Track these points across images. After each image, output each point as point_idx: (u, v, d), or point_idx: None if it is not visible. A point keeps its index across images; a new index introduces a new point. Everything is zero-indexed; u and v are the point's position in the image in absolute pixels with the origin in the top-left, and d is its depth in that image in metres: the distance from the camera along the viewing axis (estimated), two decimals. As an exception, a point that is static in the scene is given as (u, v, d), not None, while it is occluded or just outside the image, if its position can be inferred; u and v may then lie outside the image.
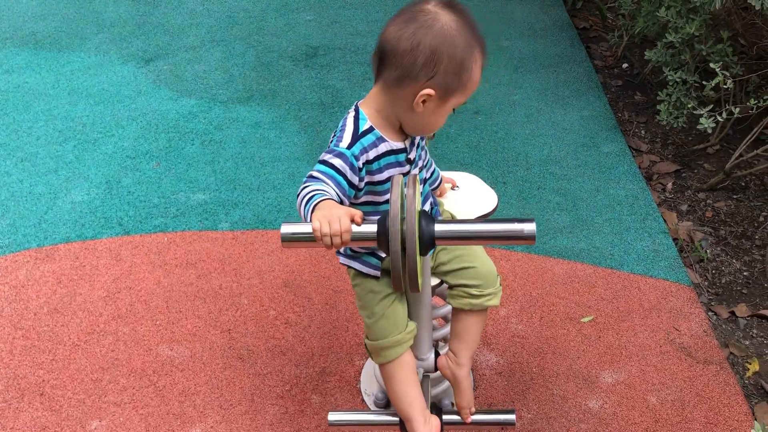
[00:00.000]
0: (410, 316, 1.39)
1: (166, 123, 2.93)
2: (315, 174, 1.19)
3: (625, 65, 3.41)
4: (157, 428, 1.76)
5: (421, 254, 1.07)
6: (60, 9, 3.91)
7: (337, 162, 1.20)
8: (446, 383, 1.65)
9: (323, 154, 1.23)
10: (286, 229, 1.07)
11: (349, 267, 1.40)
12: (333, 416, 1.43)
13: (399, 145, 1.28)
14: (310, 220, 1.07)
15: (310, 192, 1.14)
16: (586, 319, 2.02)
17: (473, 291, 1.38)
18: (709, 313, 2.08)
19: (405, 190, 1.04)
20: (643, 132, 2.93)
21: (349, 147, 1.22)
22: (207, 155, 2.74)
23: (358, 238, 1.06)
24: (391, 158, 1.27)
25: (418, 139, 1.33)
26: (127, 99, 3.10)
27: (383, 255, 1.35)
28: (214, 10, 3.89)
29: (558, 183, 2.54)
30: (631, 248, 2.26)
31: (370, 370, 1.85)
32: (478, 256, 1.40)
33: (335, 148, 1.23)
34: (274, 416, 1.78)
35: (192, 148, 2.78)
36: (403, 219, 1.02)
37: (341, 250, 1.40)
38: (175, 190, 2.55)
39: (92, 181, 2.61)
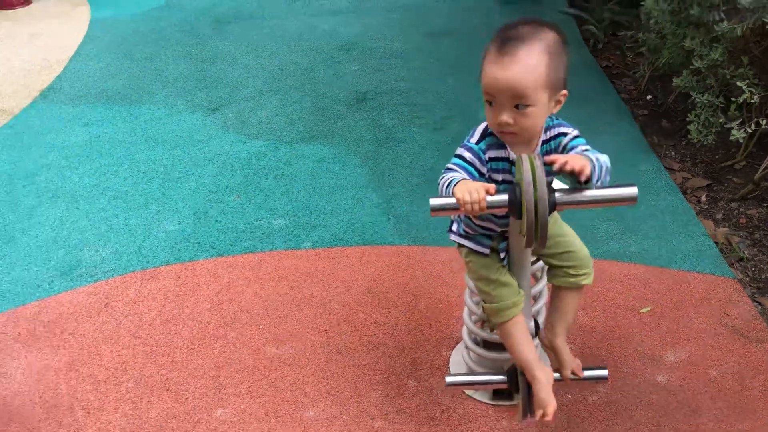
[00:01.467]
0: None
1: (240, 162, 3.24)
2: (450, 165, 1.49)
3: (649, 97, 3.71)
4: (276, 413, 1.99)
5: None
6: (125, 69, 4.29)
7: (467, 155, 1.50)
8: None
9: (458, 148, 1.52)
10: (434, 201, 1.36)
11: (461, 246, 1.66)
12: (449, 379, 1.67)
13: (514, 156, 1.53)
14: (453, 194, 1.35)
15: (448, 179, 1.44)
16: (644, 310, 2.25)
17: (571, 271, 1.65)
18: (755, 304, 2.31)
19: (535, 162, 1.31)
20: (673, 153, 3.21)
21: (477, 143, 1.51)
22: (281, 187, 3.03)
23: (492, 205, 1.33)
24: (505, 164, 1.54)
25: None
26: (200, 143, 3.42)
27: (492, 236, 1.62)
28: (266, 65, 4.25)
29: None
30: (677, 249, 2.51)
31: (458, 358, 2.08)
32: (575, 242, 1.67)
33: (466, 143, 1.52)
34: (377, 399, 2.00)
35: (267, 182, 3.07)
36: (534, 188, 1.29)
37: (454, 228, 1.67)
38: (258, 217, 2.83)
39: (181, 213, 2.89)
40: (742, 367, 2.03)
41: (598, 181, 1.39)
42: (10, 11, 5.45)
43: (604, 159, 1.43)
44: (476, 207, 1.34)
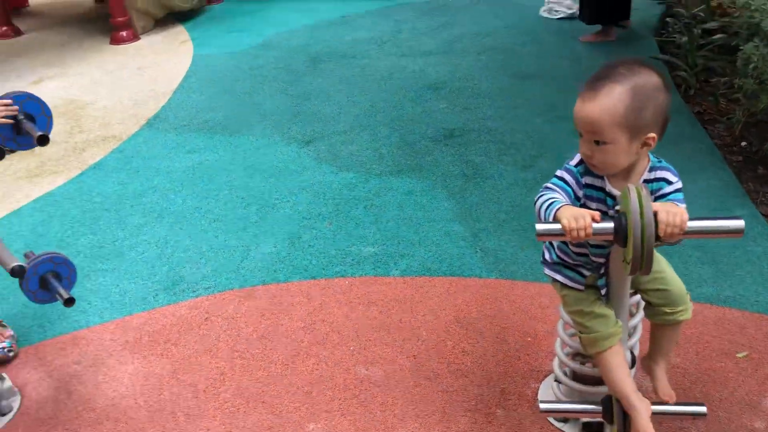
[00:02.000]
0: None
1: (332, 191, 3.37)
2: (549, 185, 1.55)
3: (744, 143, 3.65)
4: (366, 431, 2.04)
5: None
6: (226, 102, 4.54)
7: (567, 176, 1.56)
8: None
9: (558, 170, 1.57)
10: (540, 227, 1.41)
11: (555, 280, 1.70)
12: (544, 405, 1.69)
13: (615, 191, 1.57)
14: (556, 220, 1.40)
15: (548, 199, 1.49)
16: (741, 355, 2.20)
17: (667, 309, 1.67)
18: None
19: (642, 192, 1.35)
20: (770, 201, 3.14)
21: (576, 165, 1.57)
22: (370, 217, 3.13)
23: (598, 232, 1.38)
24: (600, 194, 1.58)
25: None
26: (295, 173, 3.58)
27: (586, 273, 1.66)
28: (357, 102, 4.41)
29: (696, 240, 2.77)
30: (775, 296, 2.45)
31: (547, 390, 2.09)
32: (672, 279, 1.68)
33: (567, 165, 1.57)
34: (466, 425, 2.03)
35: (357, 211, 3.18)
36: (641, 216, 1.33)
37: (547, 257, 1.71)
38: (349, 244, 2.94)
39: (277, 236, 3.03)
40: None
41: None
42: (120, 46, 5.88)
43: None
44: (582, 233, 1.38)
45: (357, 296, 2.61)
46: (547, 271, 1.74)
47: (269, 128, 4.11)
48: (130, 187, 3.53)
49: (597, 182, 1.58)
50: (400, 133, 3.95)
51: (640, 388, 1.80)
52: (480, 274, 2.70)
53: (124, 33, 5.93)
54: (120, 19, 5.89)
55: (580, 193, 1.58)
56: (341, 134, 3.98)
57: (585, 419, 1.89)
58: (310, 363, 2.31)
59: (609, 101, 1.46)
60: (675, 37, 4.92)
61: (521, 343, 2.33)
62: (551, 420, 2.00)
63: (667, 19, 5.37)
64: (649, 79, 1.48)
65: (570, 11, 5.70)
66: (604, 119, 1.46)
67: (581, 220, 1.38)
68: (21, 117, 1.99)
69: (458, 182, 3.38)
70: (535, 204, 1.54)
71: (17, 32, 6.46)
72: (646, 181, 1.57)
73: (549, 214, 1.46)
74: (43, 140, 1.96)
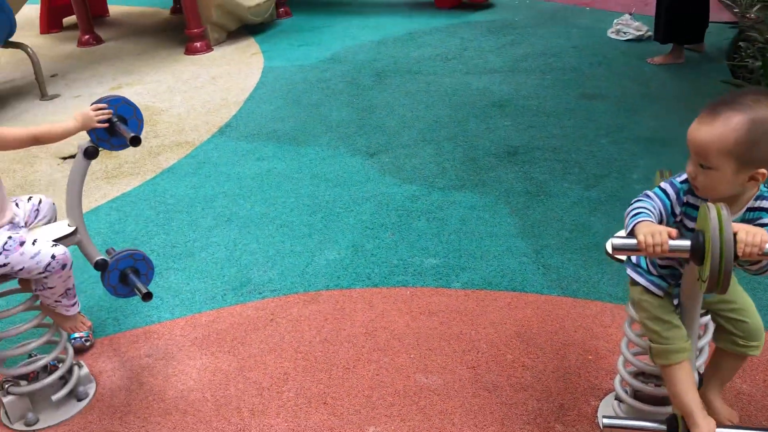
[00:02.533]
0: None
1: (395, 203, 3.43)
2: (648, 192, 1.57)
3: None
4: (424, 437, 2.08)
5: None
6: (293, 113, 4.67)
7: (669, 189, 1.58)
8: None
9: (663, 182, 1.60)
10: (616, 242, 1.43)
11: (636, 284, 1.71)
12: (606, 420, 1.70)
13: None
14: (633, 234, 1.42)
15: (638, 207, 1.51)
16: (815, 385, 2.15)
17: (740, 341, 1.66)
18: None
19: (722, 212, 1.36)
20: None
21: (682, 182, 1.58)
22: (433, 229, 3.18)
23: (674, 249, 1.39)
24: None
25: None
26: (359, 183, 3.66)
27: (670, 281, 1.67)
28: (422, 116, 4.48)
29: (765, 268, 2.72)
30: None
31: (607, 408, 2.09)
32: (751, 312, 1.67)
33: (672, 180, 1.59)
34: (524, 438, 2.05)
35: (419, 223, 3.23)
36: (720, 234, 1.33)
37: (634, 259, 1.73)
38: (411, 255, 2.99)
39: (341, 244, 3.10)
40: None
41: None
42: (195, 56, 6.11)
43: None
44: (658, 250, 1.39)
45: (418, 306, 2.66)
46: (629, 272, 1.73)
47: (335, 139, 4.21)
48: (201, 191, 3.68)
49: (698, 203, 1.57)
50: (464, 148, 3.99)
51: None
52: (542, 290, 2.71)
53: (198, 44, 6.16)
54: (195, 30, 6.13)
55: (678, 210, 1.58)
56: (405, 147, 4.05)
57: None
58: (371, 368, 2.36)
59: (722, 129, 1.44)
60: (748, 62, 4.83)
61: (582, 360, 2.33)
62: (611, 438, 1.99)
63: (740, 43, 5.27)
64: None
65: (638, 33, 5.65)
66: (712, 145, 1.45)
67: (657, 236, 1.40)
68: (115, 119, 2.11)
69: (521, 199, 3.40)
70: (629, 207, 1.55)
71: (98, 40, 6.79)
72: (750, 210, 1.56)
73: (629, 225, 1.48)
74: (135, 141, 2.08)
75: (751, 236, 1.36)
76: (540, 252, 2.95)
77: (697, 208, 1.57)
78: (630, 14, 5.83)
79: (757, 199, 1.55)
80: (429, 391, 2.25)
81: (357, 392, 2.26)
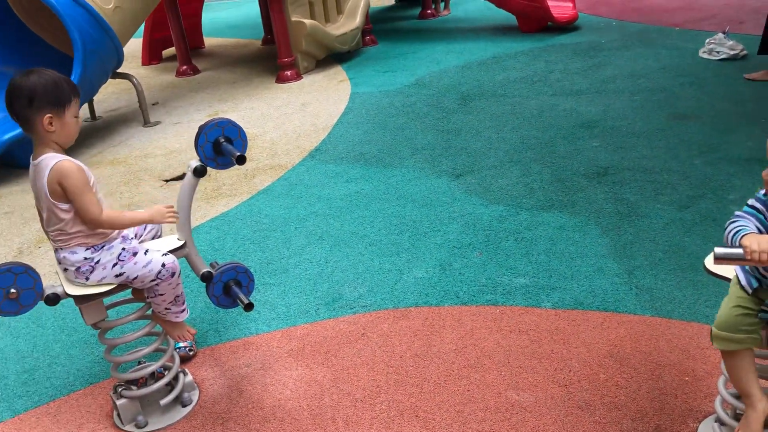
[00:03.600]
0: None
1: (482, 223, 3.46)
2: (739, 213, 1.59)
3: None
4: (516, 453, 2.08)
5: None
6: (380, 137, 4.79)
7: (757, 204, 1.60)
8: None
9: (749, 200, 1.61)
10: (720, 251, 1.44)
11: (736, 277, 1.73)
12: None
13: None
14: (740, 244, 1.42)
15: (736, 227, 1.54)
16: None
17: None
18: None
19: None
20: None
21: (766, 194, 1.59)
22: (521, 249, 3.18)
23: (781, 256, 1.38)
24: None
25: None
26: (446, 204, 3.71)
27: (764, 286, 1.66)
28: (507, 138, 4.50)
29: None
30: None
31: (707, 431, 2.03)
32: None
33: (757, 194, 1.61)
34: (619, 457, 2.02)
35: (507, 243, 3.25)
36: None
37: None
38: (499, 274, 3.01)
39: (428, 263, 3.16)
40: None
41: None
42: (285, 84, 6.36)
43: None
44: (765, 257, 1.39)
45: (508, 324, 2.67)
46: (735, 268, 1.75)
47: (420, 161, 4.29)
48: (293, 212, 3.82)
49: None
50: (552, 169, 3.99)
51: None
52: (635, 310, 2.67)
53: (288, 72, 6.42)
54: (286, 59, 6.39)
55: None
56: (491, 168, 4.08)
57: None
58: (462, 384, 2.39)
59: None
60: None
61: (678, 381, 2.28)
62: (712, 461, 1.94)
63: None
64: None
65: (733, 52, 5.50)
66: None
67: (765, 243, 1.40)
68: (222, 140, 2.26)
69: (612, 220, 3.36)
70: (725, 230, 1.57)
71: (195, 71, 7.18)
72: None
73: (735, 240, 1.49)
74: (241, 160, 2.21)
75: None
76: (632, 272, 2.91)
77: None
78: (724, 33, 5.68)
79: None
80: (521, 408, 2.25)
81: (449, 407, 2.29)
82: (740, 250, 1.43)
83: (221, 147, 2.27)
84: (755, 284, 1.68)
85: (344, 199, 3.90)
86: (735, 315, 1.69)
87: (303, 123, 5.25)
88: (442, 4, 8.88)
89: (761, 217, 1.58)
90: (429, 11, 8.63)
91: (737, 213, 1.60)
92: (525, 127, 4.65)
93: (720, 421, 1.96)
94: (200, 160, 2.32)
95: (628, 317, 2.63)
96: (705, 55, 5.65)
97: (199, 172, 2.32)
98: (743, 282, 1.69)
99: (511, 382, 2.37)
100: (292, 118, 5.39)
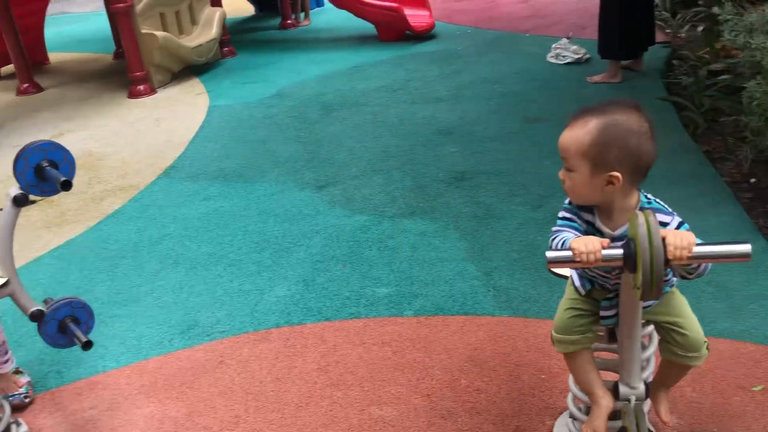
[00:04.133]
0: (620, 348, 1.68)
1: (345, 234, 3.41)
2: (556, 228, 1.62)
3: (753, 180, 3.66)
4: (380, 471, 2.03)
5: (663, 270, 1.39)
6: (240, 151, 4.64)
7: (568, 215, 1.63)
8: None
9: (560, 212, 1.65)
10: (551, 254, 1.44)
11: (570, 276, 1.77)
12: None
13: (604, 228, 1.62)
14: (569, 247, 1.43)
15: (561, 239, 1.56)
16: (756, 388, 2.18)
17: (678, 351, 1.69)
18: None
19: (650, 218, 1.38)
20: (781, 235, 3.14)
21: (570, 203, 1.64)
22: (384, 258, 3.16)
23: (607, 258, 1.40)
24: (592, 230, 1.63)
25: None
26: (309, 217, 3.63)
27: (597, 286, 1.70)
28: (369, 147, 4.49)
29: (709, 277, 2.76)
30: (790, 330, 2.44)
31: (562, 428, 2.07)
32: (690, 325, 1.69)
33: (564, 205, 1.67)
34: (481, 463, 2.02)
35: (370, 253, 3.21)
36: (650, 241, 1.35)
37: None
38: (362, 285, 2.96)
39: (291, 280, 3.06)
40: None
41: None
42: (138, 100, 6.05)
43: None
44: (592, 257, 1.41)
45: (371, 337, 2.63)
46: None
47: (283, 174, 4.19)
48: (146, 235, 3.60)
49: (589, 217, 1.64)
50: (413, 176, 4.01)
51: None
52: (493, 312, 2.71)
53: (141, 87, 6.11)
54: (137, 73, 6.08)
55: (583, 228, 1.62)
56: (354, 179, 4.04)
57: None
58: (324, 404, 2.31)
59: (580, 131, 1.55)
60: (681, 79, 5.00)
61: (535, 380, 2.32)
62: (567, 457, 1.98)
63: (674, 61, 5.46)
64: (626, 121, 1.53)
65: (576, 56, 5.81)
66: (571, 147, 1.56)
67: (591, 245, 1.42)
68: (45, 164, 2.06)
69: (470, 223, 3.41)
70: (550, 245, 1.60)
71: (38, 88, 6.67)
72: None
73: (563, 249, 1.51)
74: (66, 185, 2.02)
75: (679, 239, 1.38)
76: (490, 274, 2.96)
77: (589, 224, 1.64)
78: (567, 38, 5.99)
79: (641, 209, 1.58)
80: (383, 423, 2.21)
81: (310, 430, 2.21)
82: (569, 253, 1.44)
83: (44, 172, 2.07)
84: (588, 286, 1.72)
85: (202, 219, 3.73)
86: (568, 317, 1.73)
87: (157, 139, 4.99)
88: (303, 14, 8.82)
89: (575, 224, 1.62)
90: (289, 21, 8.54)
91: (554, 229, 1.63)
92: (386, 135, 4.66)
93: (573, 417, 2.00)
94: (20, 188, 2.10)
95: (486, 319, 2.67)
96: (552, 60, 5.93)
97: (19, 201, 2.11)
98: (577, 284, 1.74)
99: (374, 397, 2.32)
100: (145, 135, 5.11)
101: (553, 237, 1.61)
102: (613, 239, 1.57)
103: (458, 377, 2.37)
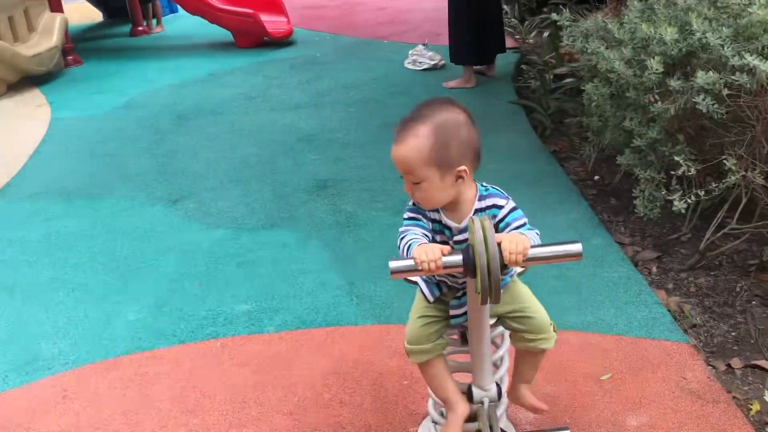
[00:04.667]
0: (471, 351, 1.69)
1: (202, 251, 3.26)
2: (402, 229, 1.58)
3: (596, 177, 3.90)
4: (241, 499, 1.93)
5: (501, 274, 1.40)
6: (87, 166, 4.34)
7: (413, 214, 1.63)
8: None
9: (405, 212, 1.64)
10: (393, 264, 1.41)
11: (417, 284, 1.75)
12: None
13: (450, 222, 1.64)
14: (411, 256, 1.41)
15: (406, 242, 1.54)
16: (605, 377, 2.29)
17: (529, 336, 1.71)
18: (709, 367, 2.37)
19: (485, 223, 1.38)
20: (623, 228, 3.35)
21: (414, 203, 1.65)
22: (243, 273, 3.05)
23: (448, 265, 1.39)
24: (439, 227, 1.63)
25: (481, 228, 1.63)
26: (162, 234, 3.44)
27: (445, 290, 1.71)
28: (227, 157, 4.35)
29: (559, 271, 2.90)
30: (632, 318, 2.59)
31: (424, 433, 2.07)
32: (533, 307, 1.73)
33: (408, 205, 1.66)
34: (345, 479, 1.97)
35: (229, 269, 3.09)
36: (486, 247, 1.36)
37: None
38: (220, 303, 2.83)
39: (142, 302, 2.87)
40: (702, 428, 2.07)
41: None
42: (-30, 113, 5.51)
43: (537, 239, 1.53)
44: (432, 266, 1.40)
45: (229, 358, 2.51)
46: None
47: (133, 189, 3.95)
48: (-23, 262, 3.26)
49: (435, 215, 1.65)
50: (273, 186, 3.91)
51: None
52: (356, 321, 2.67)
53: (-28, 99, 5.57)
54: (-33, 84, 5.54)
55: (430, 226, 1.62)
56: (211, 191, 3.89)
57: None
58: (180, 433, 2.17)
59: (415, 142, 1.53)
60: (530, 83, 5.24)
61: (398, 387, 2.31)
62: (430, 464, 1.97)
63: (523, 66, 5.72)
64: (450, 116, 1.56)
65: (432, 62, 5.94)
66: (413, 159, 1.53)
67: (431, 253, 1.41)
68: None
69: (332, 232, 3.37)
70: (398, 248, 1.57)
71: None
72: (478, 210, 1.64)
73: (409, 253, 1.49)
74: None
75: (514, 244, 1.41)
76: (353, 283, 2.93)
77: (436, 221, 1.64)
78: (423, 45, 6.12)
79: (481, 199, 1.63)
80: (244, 447, 2.11)
81: (165, 463, 2.07)
82: (411, 262, 1.43)
83: None
84: (437, 292, 1.72)
85: (42, 241, 3.43)
86: (420, 326, 1.72)
87: (-9, 157, 4.56)
88: (155, 21, 8.44)
89: (422, 223, 1.61)
90: (140, 28, 8.14)
91: (401, 229, 1.62)
92: (245, 145, 4.53)
93: (434, 421, 2.00)
94: None
95: (349, 329, 2.63)
96: (410, 66, 6.04)
97: None
98: (425, 292, 1.73)
99: (234, 420, 2.21)
100: (-23, 152, 4.66)
101: (400, 237, 1.59)
102: (460, 231, 1.61)
103: (322, 392, 2.31)
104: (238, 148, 4.49)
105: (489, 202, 1.63)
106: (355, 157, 4.24)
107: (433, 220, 1.65)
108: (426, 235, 1.58)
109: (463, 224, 1.62)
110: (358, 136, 4.57)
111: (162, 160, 4.35)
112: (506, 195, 1.65)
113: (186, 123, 4.98)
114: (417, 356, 1.73)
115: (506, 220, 1.60)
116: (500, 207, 1.61)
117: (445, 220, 1.64)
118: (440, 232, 1.65)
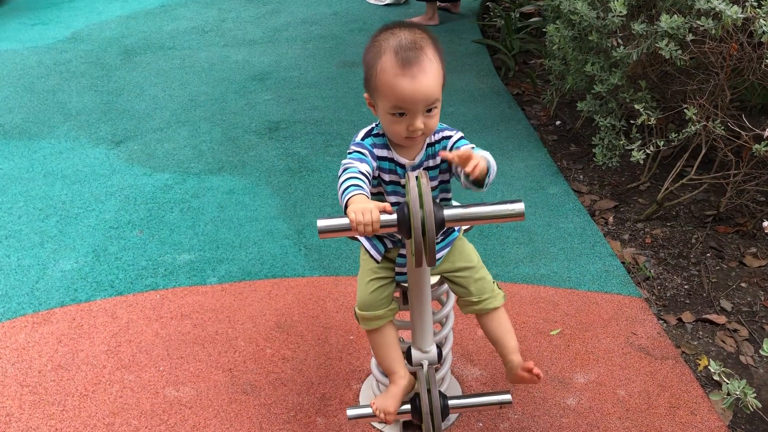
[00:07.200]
0: (412, 312, 1.60)
1: (144, 196, 3.10)
2: (345, 161, 1.44)
3: (557, 122, 3.80)
4: (174, 460, 1.86)
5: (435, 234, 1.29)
6: (25, 103, 4.08)
7: (362, 149, 1.48)
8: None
9: (349, 147, 1.51)
10: (322, 223, 1.29)
11: (363, 244, 1.63)
12: (351, 412, 1.60)
13: (402, 160, 1.52)
14: (346, 213, 1.29)
15: (347, 180, 1.38)
16: (554, 332, 2.25)
17: (473, 299, 1.63)
18: (660, 321, 2.34)
19: (422, 180, 1.27)
20: (581, 176, 3.27)
21: (363, 139, 1.51)
22: (187, 221, 2.91)
23: (385, 224, 1.28)
24: (391, 165, 1.51)
25: (434, 163, 1.54)
26: (103, 177, 3.26)
27: (389, 245, 1.60)
28: (175, 96, 4.13)
29: (515, 223, 2.81)
30: (585, 271, 2.53)
31: (368, 391, 2.01)
32: (477, 267, 1.64)
33: (355, 141, 1.51)
34: (284, 439, 1.91)
35: (172, 216, 2.95)
36: (421, 206, 1.25)
37: None
38: (161, 253, 2.71)
39: (79, 251, 2.73)
40: (648, 385, 2.04)
41: (488, 177, 1.39)
42: None
43: (491, 159, 1.42)
44: (369, 229, 1.29)
45: (169, 311, 2.40)
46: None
47: (74, 129, 3.74)
48: None
49: (385, 153, 1.52)
50: (222, 127, 3.73)
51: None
52: (303, 273, 2.58)
53: None
54: None
55: (375, 165, 1.49)
56: (156, 132, 3.69)
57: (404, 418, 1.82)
58: (114, 390, 2.08)
59: (432, 67, 1.42)
60: (495, 21, 5.06)
61: (343, 342, 2.24)
62: (373, 423, 1.92)
63: (488, 4, 5.52)
64: (431, 34, 1.47)
65: (395, -2, 5.70)
66: (437, 87, 1.43)
67: (368, 214, 1.28)
68: None
69: (283, 177, 3.23)
70: (338, 180, 1.42)
71: None
72: (430, 145, 1.53)
73: (343, 200, 1.35)
74: None
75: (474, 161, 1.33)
76: (302, 232, 2.82)
77: (386, 159, 1.52)
78: (386, -21, 5.86)
79: (436, 133, 1.54)
80: (180, 405, 2.02)
81: (96, 421, 1.98)
82: (346, 221, 1.29)
83: None
84: (382, 248, 1.62)
85: (-26, 184, 3.23)
86: (372, 291, 1.61)
87: None
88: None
89: (369, 160, 1.47)
90: (89, -47, 7.64)
91: (344, 162, 1.46)
92: (194, 82, 4.31)
93: (377, 380, 1.93)
94: None
95: (296, 281, 2.53)
96: (372, 1, 5.79)
97: None
98: (372, 252, 1.62)
99: (170, 377, 2.12)
100: None
101: (342, 169, 1.43)
102: (413, 168, 1.52)
103: (263, 347, 2.23)
104: (187, 85, 4.27)
105: (439, 135, 1.54)
106: (310, 98, 4.06)
107: (383, 158, 1.52)
108: (367, 175, 1.42)
109: (417, 160, 1.52)
110: (315, 75, 4.38)
111: (107, 97, 4.12)
112: (452, 128, 1.57)
113: (134, 58, 4.72)
114: (369, 322, 1.63)
115: (458, 144, 1.51)
116: (449, 137, 1.53)
117: (397, 157, 1.52)
118: (391, 171, 1.52)
